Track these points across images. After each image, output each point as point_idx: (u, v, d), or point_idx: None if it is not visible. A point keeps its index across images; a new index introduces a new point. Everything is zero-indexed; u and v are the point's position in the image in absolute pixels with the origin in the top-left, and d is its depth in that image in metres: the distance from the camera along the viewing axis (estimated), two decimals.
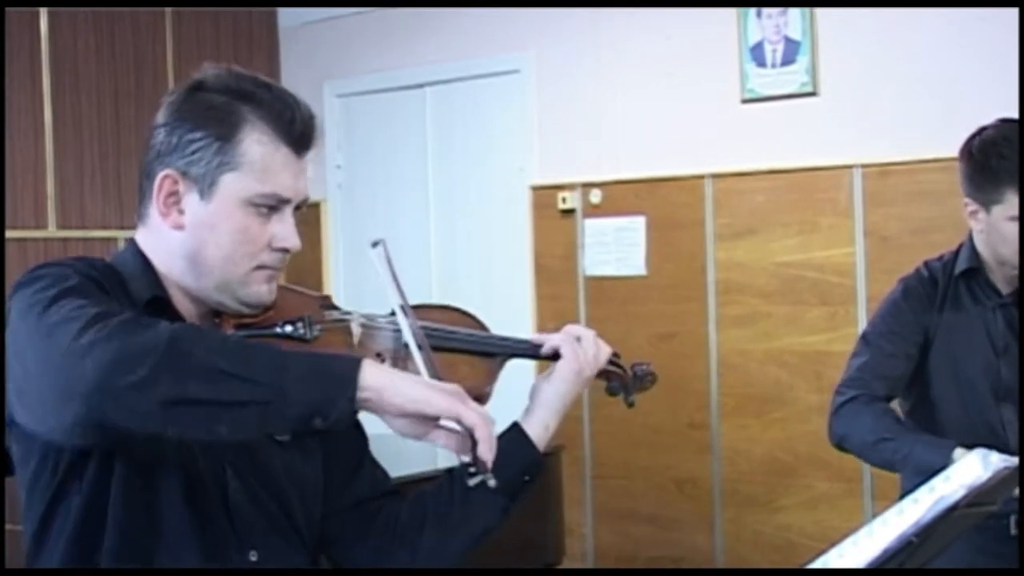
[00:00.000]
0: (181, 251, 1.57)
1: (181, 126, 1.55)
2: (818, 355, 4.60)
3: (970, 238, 2.60)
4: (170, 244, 1.58)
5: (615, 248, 5.13)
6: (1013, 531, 2.45)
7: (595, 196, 5.17)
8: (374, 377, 1.37)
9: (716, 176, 4.89)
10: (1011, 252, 2.48)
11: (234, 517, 1.58)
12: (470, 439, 1.41)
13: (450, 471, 1.76)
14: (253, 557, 1.59)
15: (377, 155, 5.86)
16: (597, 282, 5.14)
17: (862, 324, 4.49)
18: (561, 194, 5.23)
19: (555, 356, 1.75)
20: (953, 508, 1.36)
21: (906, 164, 4.38)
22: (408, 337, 1.58)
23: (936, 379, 2.59)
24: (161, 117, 1.58)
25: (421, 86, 5.60)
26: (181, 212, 1.56)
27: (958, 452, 2.34)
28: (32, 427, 1.43)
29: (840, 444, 2.64)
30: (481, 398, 1.67)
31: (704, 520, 4.89)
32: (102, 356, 1.30)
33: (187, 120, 1.56)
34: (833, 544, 1.40)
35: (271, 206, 1.56)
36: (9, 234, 5.38)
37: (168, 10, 5.98)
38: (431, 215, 5.68)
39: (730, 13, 4.82)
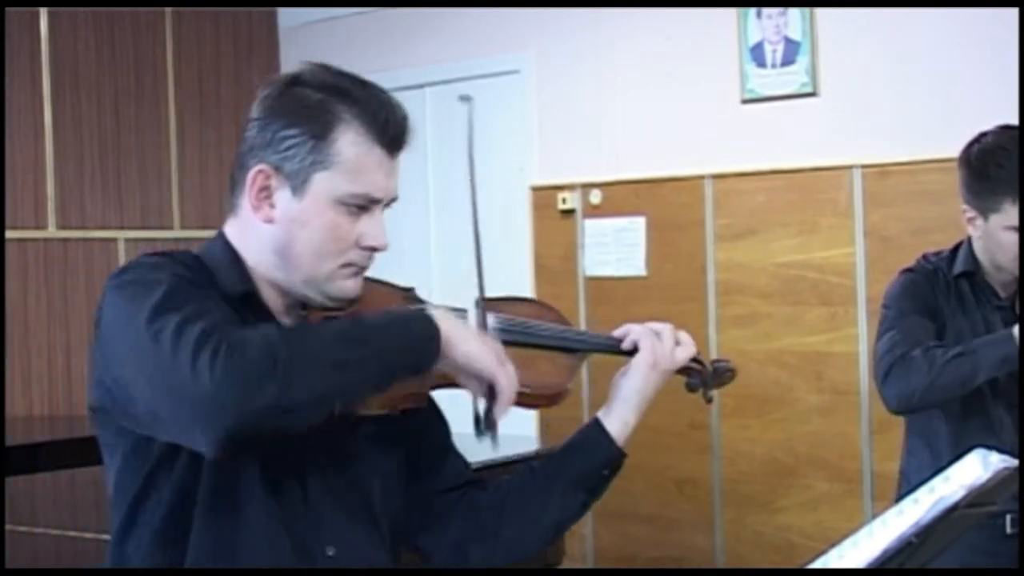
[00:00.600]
0: (271, 245, 1.58)
1: (276, 121, 1.57)
2: (818, 355, 4.60)
3: (968, 240, 2.60)
4: (260, 237, 1.59)
5: (615, 248, 5.13)
6: (1009, 530, 2.46)
7: (595, 196, 5.17)
8: (448, 332, 1.50)
9: (716, 176, 4.89)
10: (1008, 260, 2.48)
11: (312, 511, 1.59)
12: (493, 396, 1.51)
13: (530, 464, 1.77)
14: (331, 552, 1.60)
15: None
16: (597, 282, 5.14)
17: (862, 324, 4.50)
18: (561, 194, 5.23)
19: (634, 351, 1.75)
20: (953, 508, 1.36)
21: (906, 164, 4.38)
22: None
23: None
24: (256, 111, 1.60)
25: (421, 86, 5.59)
26: (272, 206, 1.58)
27: (1016, 332, 2.39)
28: (160, 436, 1.47)
29: (905, 405, 2.51)
30: (561, 395, 1.70)
31: (704, 520, 4.89)
32: (230, 380, 1.35)
33: (282, 116, 1.57)
34: (833, 545, 1.40)
35: (361, 205, 1.57)
36: (9, 234, 5.38)
37: (168, 10, 5.98)
38: (431, 215, 5.69)
39: (730, 13, 4.82)
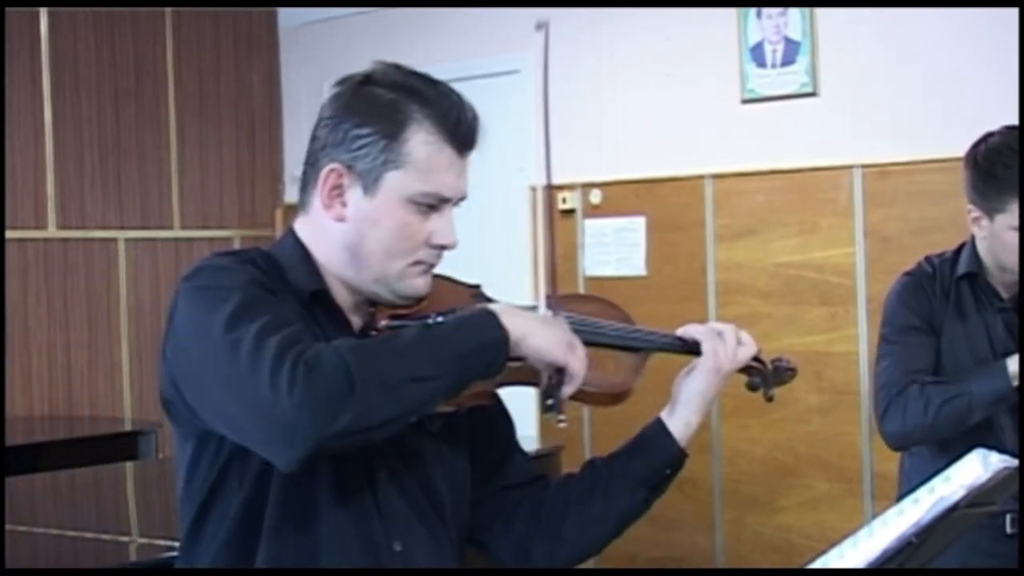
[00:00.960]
0: (342, 243, 1.60)
1: (348, 120, 1.59)
2: (818, 355, 4.60)
3: (972, 241, 2.60)
4: (331, 235, 1.61)
5: (615, 248, 5.13)
6: (1009, 530, 2.45)
7: (595, 196, 5.17)
8: (515, 330, 1.51)
9: (716, 176, 4.89)
10: (1013, 260, 2.48)
11: (381, 506, 1.60)
12: (560, 378, 1.54)
13: (591, 461, 1.78)
14: (397, 547, 1.61)
15: None
16: (597, 282, 5.14)
17: (862, 324, 4.50)
18: (561, 194, 5.23)
19: (697, 351, 1.77)
20: (953, 508, 1.36)
21: (906, 164, 4.38)
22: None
23: (940, 375, 2.59)
24: (328, 109, 1.63)
25: None
26: (344, 205, 1.59)
27: (1011, 365, 2.40)
28: (237, 439, 1.48)
29: (904, 444, 2.58)
30: (626, 393, 1.71)
31: (704, 520, 4.89)
32: (309, 403, 1.37)
33: (354, 115, 1.59)
34: (833, 544, 1.40)
35: (431, 205, 1.59)
36: (9, 234, 5.38)
37: (168, 10, 5.98)
38: None
39: (730, 13, 4.82)
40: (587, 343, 1.65)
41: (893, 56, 4.48)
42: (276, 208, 6.33)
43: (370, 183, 1.57)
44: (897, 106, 4.46)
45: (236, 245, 6.20)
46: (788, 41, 4.69)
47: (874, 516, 1.45)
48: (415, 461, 1.65)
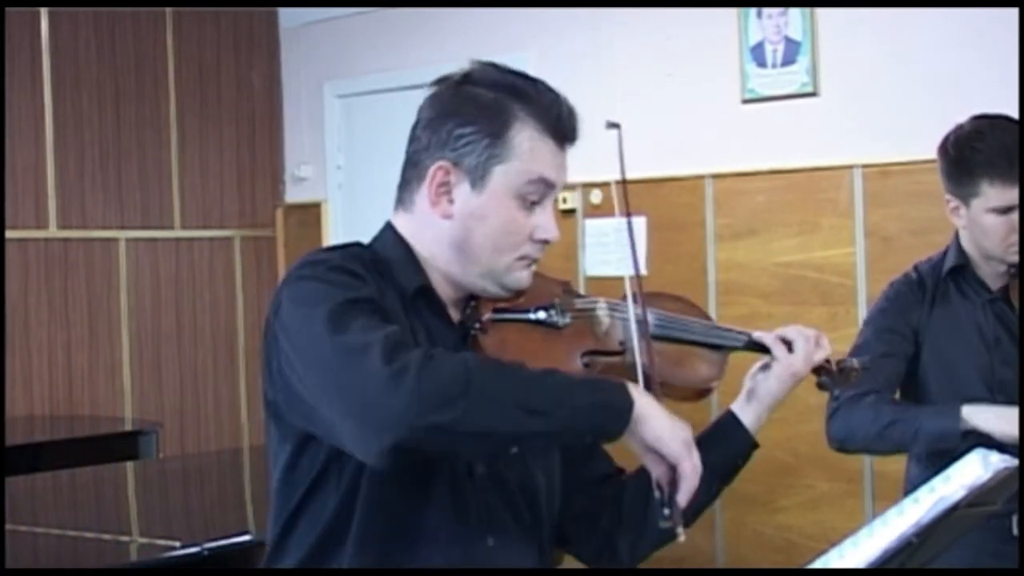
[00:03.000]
0: (448, 239, 1.63)
1: (450, 120, 1.63)
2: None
3: (956, 236, 2.62)
4: (438, 232, 1.64)
5: (615, 248, 5.13)
6: (1015, 531, 2.45)
7: (595, 196, 5.17)
8: (642, 409, 1.50)
9: (716, 176, 4.89)
10: (994, 245, 2.50)
11: (477, 501, 1.61)
12: (674, 482, 1.52)
13: None
14: (490, 542, 1.62)
15: (377, 156, 5.86)
16: (598, 282, 5.13)
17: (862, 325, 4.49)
18: (561, 194, 5.22)
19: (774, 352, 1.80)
20: (954, 508, 1.36)
21: (906, 164, 4.38)
22: (632, 328, 1.65)
23: (929, 379, 2.59)
24: (427, 111, 1.67)
25: (421, 87, 5.55)
26: (451, 202, 1.63)
27: (966, 410, 2.37)
28: (327, 440, 1.51)
29: (843, 447, 2.61)
30: (709, 391, 1.76)
31: (704, 520, 4.84)
32: (414, 393, 1.38)
33: (456, 114, 1.63)
34: (833, 544, 1.40)
35: (535, 200, 1.63)
36: (9, 234, 5.38)
37: (168, 10, 5.98)
38: None
39: (730, 13, 4.81)
40: (675, 340, 1.72)
41: (894, 56, 4.48)
42: (277, 208, 6.33)
43: (477, 178, 1.61)
44: (898, 106, 4.46)
45: (236, 245, 6.20)
46: (789, 41, 4.69)
47: (874, 516, 1.45)
48: (515, 460, 1.65)
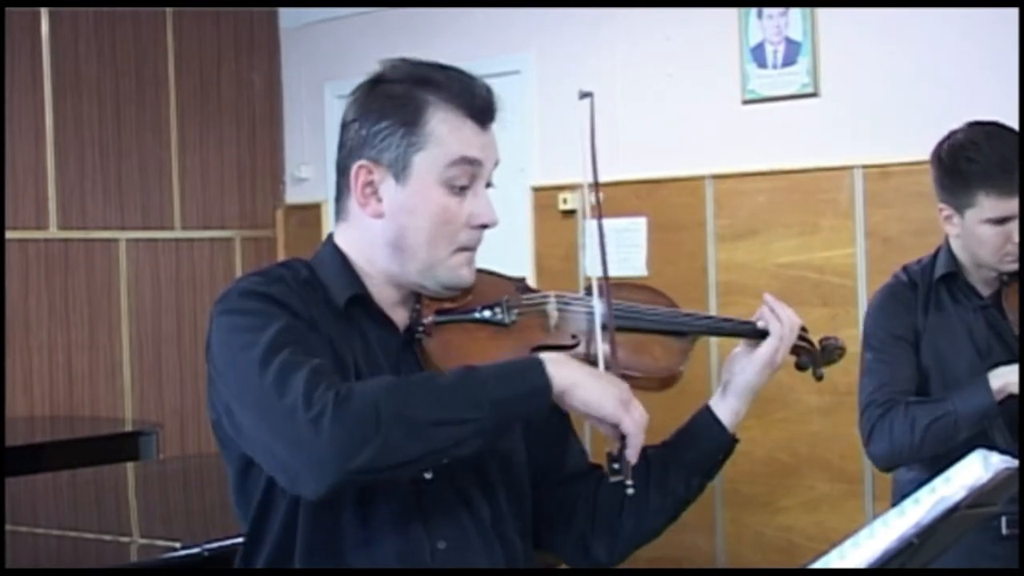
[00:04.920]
0: (383, 239, 1.61)
1: (367, 119, 1.61)
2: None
3: (947, 242, 2.60)
4: (371, 234, 1.62)
5: (616, 249, 5.13)
6: (1004, 531, 2.45)
7: None
8: (563, 380, 1.49)
9: (717, 177, 4.89)
10: (988, 254, 2.48)
11: (425, 503, 1.58)
12: (622, 440, 1.52)
13: (644, 452, 1.74)
14: (441, 545, 1.59)
15: None
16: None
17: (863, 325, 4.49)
18: (562, 195, 5.23)
19: (745, 334, 1.80)
20: (954, 509, 1.35)
21: (907, 165, 4.38)
22: (596, 321, 1.62)
23: (926, 380, 2.58)
24: (349, 114, 1.65)
25: None
26: (379, 200, 1.61)
27: (992, 379, 2.38)
28: (264, 466, 1.51)
29: (891, 464, 2.56)
30: (674, 377, 1.73)
31: (705, 521, 4.89)
32: (332, 443, 1.39)
33: (372, 112, 1.61)
34: (834, 545, 1.40)
35: (464, 185, 1.60)
36: (10, 235, 5.38)
37: (169, 10, 5.98)
38: None
39: (731, 14, 4.82)
40: (633, 329, 1.68)
41: (894, 56, 4.48)
42: (277, 208, 6.33)
43: (400, 170, 1.59)
44: (898, 106, 4.46)
45: (237, 245, 6.20)
46: (789, 41, 4.69)
47: (875, 517, 1.45)
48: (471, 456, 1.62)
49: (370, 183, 1.61)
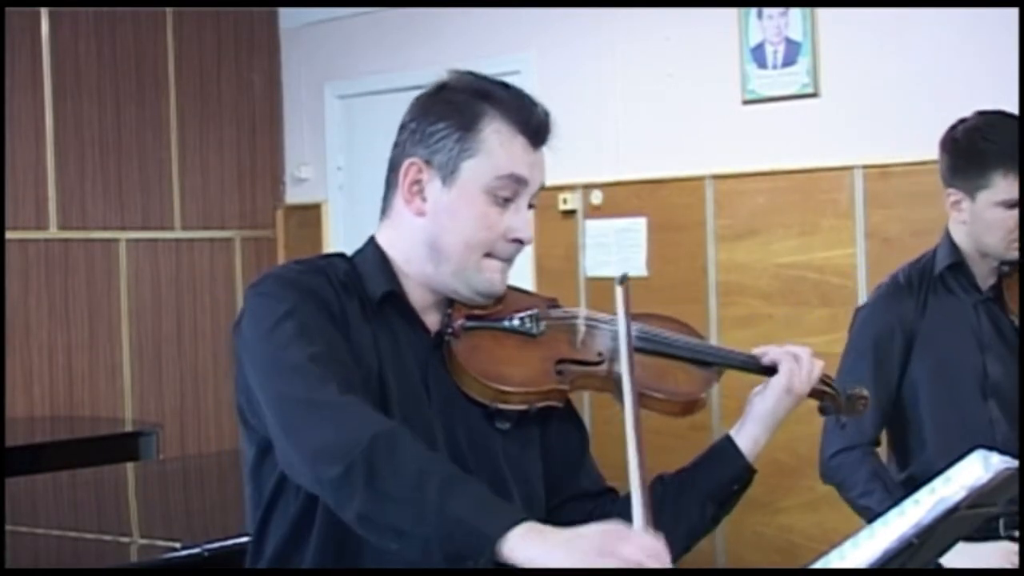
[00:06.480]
0: (422, 237, 1.65)
1: (424, 120, 1.67)
2: (819, 356, 4.58)
3: (946, 235, 2.58)
4: (412, 231, 1.66)
5: (616, 249, 5.13)
6: (1003, 532, 2.45)
7: (596, 197, 5.17)
8: (520, 550, 1.34)
9: (717, 177, 4.89)
10: (996, 240, 2.46)
11: None
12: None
13: (660, 476, 1.79)
14: None
15: (378, 156, 5.81)
16: (598, 283, 5.14)
17: None
18: (562, 195, 5.23)
19: (770, 371, 1.81)
20: (954, 509, 1.36)
21: (907, 165, 4.38)
22: (621, 339, 1.61)
23: (921, 381, 2.57)
24: (407, 115, 1.71)
25: (422, 88, 5.58)
26: (424, 199, 1.65)
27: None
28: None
29: (830, 484, 2.72)
30: (696, 403, 1.75)
31: None
32: (313, 442, 1.44)
33: (431, 114, 1.67)
34: (834, 545, 1.40)
35: (507, 197, 1.63)
36: (10, 235, 5.38)
37: (169, 11, 5.98)
38: None
39: (731, 14, 4.81)
40: (659, 353, 1.71)
41: (894, 56, 4.48)
42: (277, 208, 6.33)
43: (448, 174, 1.62)
44: (898, 107, 4.46)
45: (237, 246, 6.20)
46: (789, 42, 4.69)
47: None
48: (484, 458, 1.64)
49: (418, 181, 1.64)
